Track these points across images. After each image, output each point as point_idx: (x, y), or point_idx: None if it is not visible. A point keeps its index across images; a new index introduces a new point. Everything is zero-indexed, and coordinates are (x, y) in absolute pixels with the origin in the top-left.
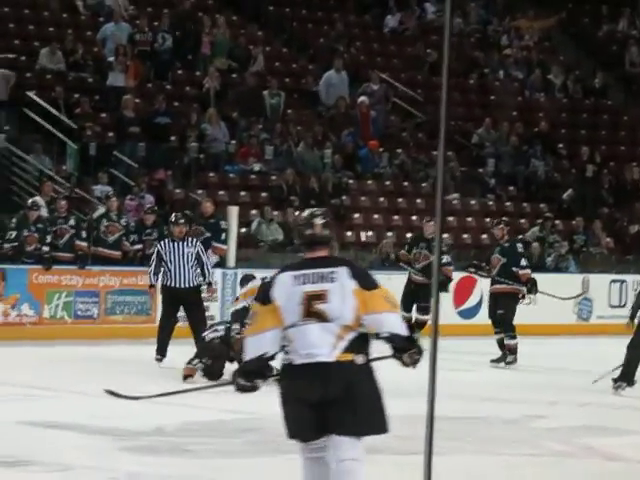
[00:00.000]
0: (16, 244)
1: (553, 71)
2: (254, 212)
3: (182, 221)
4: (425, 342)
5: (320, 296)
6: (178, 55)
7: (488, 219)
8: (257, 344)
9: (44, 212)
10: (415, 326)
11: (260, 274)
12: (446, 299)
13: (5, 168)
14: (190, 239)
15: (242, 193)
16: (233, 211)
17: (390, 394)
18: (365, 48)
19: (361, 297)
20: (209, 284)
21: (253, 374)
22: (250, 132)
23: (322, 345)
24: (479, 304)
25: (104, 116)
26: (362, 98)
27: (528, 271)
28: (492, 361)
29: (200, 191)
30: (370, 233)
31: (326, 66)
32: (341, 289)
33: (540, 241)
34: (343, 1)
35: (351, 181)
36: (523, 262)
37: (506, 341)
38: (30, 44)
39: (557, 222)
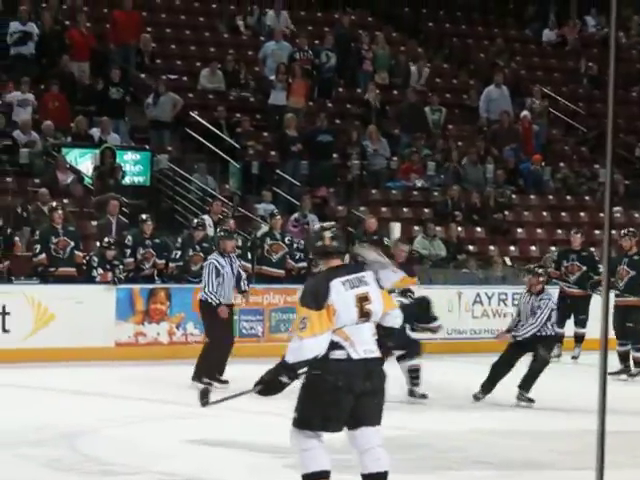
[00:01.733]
0: (181, 264)
1: None
2: (417, 228)
3: (235, 235)
4: (587, 356)
5: (366, 298)
6: (340, 73)
7: None
8: (316, 346)
9: (210, 231)
10: (575, 340)
11: (423, 291)
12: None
13: (169, 188)
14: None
15: (404, 209)
16: (396, 227)
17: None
18: (525, 62)
19: (384, 297)
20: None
21: (297, 375)
22: (412, 148)
23: (373, 342)
24: None
25: (266, 135)
26: (524, 112)
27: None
28: (610, 374)
29: (362, 208)
30: (534, 247)
31: (486, 81)
32: (376, 290)
33: None
34: (503, 16)
35: (514, 196)
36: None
37: (634, 353)
38: (192, 65)
39: None
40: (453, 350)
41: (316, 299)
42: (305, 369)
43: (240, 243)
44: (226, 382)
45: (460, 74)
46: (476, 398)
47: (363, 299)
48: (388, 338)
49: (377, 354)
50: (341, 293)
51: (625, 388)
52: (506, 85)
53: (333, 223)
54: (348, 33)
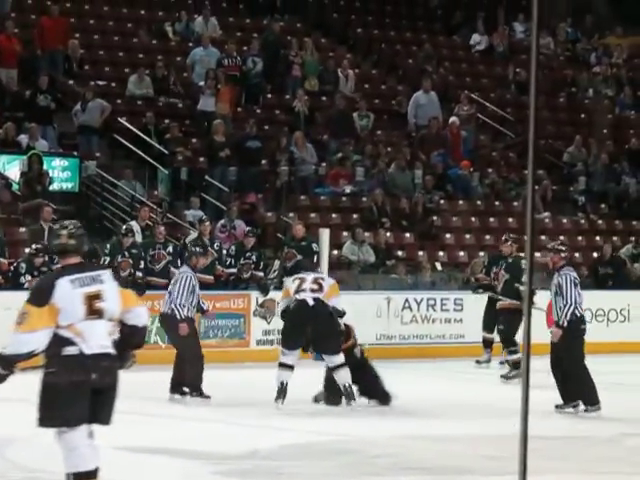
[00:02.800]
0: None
1: None
2: (345, 234)
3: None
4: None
5: (98, 296)
6: (268, 79)
7: (580, 237)
8: (32, 341)
9: (139, 238)
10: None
11: (351, 296)
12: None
13: (97, 194)
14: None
15: (333, 215)
16: (324, 233)
17: (483, 414)
18: (454, 68)
19: (122, 295)
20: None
21: (12, 367)
22: (340, 154)
23: (107, 339)
24: None
25: (194, 141)
26: (453, 118)
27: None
28: (477, 362)
29: (291, 214)
30: (462, 253)
31: (415, 87)
32: (111, 289)
33: (634, 259)
34: (431, 22)
35: (442, 201)
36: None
37: (508, 357)
38: (120, 71)
39: None
40: (382, 355)
41: (39, 297)
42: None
43: (171, 250)
44: (208, 397)
45: (388, 80)
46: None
47: (93, 297)
48: (132, 336)
49: (111, 351)
50: (67, 291)
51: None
52: (435, 91)
53: (74, 222)
54: (277, 39)
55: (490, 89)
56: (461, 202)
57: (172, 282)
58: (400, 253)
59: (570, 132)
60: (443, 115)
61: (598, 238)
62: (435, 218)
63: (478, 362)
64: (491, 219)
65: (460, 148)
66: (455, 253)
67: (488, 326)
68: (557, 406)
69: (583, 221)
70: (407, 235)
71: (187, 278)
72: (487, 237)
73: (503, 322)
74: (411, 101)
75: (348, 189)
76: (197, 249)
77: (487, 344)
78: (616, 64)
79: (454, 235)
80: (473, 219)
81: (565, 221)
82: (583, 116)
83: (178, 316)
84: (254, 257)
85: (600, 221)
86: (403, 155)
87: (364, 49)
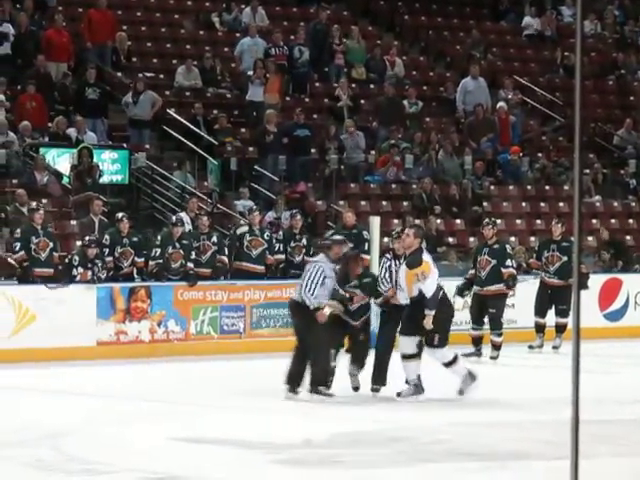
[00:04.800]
0: (161, 261)
1: None
2: (396, 221)
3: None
4: (566, 345)
5: None
6: (315, 68)
7: (631, 220)
8: None
9: (189, 229)
10: (556, 330)
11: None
12: (590, 301)
13: (147, 186)
14: None
15: (383, 203)
16: (375, 221)
17: (537, 399)
18: (502, 53)
19: None
20: None
21: None
22: (390, 141)
23: None
24: (625, 306)
25: (244, 131)
26: (500, 104)
27: (511, 270)
28: (463, 355)
29: (341, 202)
30: (513, 238)
31: (463, 73)
32: None
33: None
34: (479, 8)
35: (492, 187)
36: (508, 262)
37: (494, 338)
38: (168, 62)
39: None
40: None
41: None
42: None
43: (216, 240)
44: (331, 394)
45: (436, 66)
46: None
47: None
48: None
49: None
50: None
51: (628, 377)
52: (482, 77)
53: None
54: (324, 28)
55: (539, 74)
56: (511, 187)
57: (305, 270)
58: (451, 240)
59: (620, 115)
60: (492, 101)
61: None
62: (485, 204)
63: (531, 347)
64: (542, 204)
65: (509, 133)
66: (506, 239)
67: (540, 311)
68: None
69: (634, 204)
70: (457, 222)
71: (318, 268)
72: (538, 222)
73: (494, 306)
74: (459, 87)
75: (398, 176)
76: (335, 237)
77: (539, 329)
78: None
79: (505, 221)
80: (524, 204)
81: (616, 204)
82: (633, 99)
83: (310, 305)
84: (304, 240)
85: None
86: (452, 141)
87: (411, 36)
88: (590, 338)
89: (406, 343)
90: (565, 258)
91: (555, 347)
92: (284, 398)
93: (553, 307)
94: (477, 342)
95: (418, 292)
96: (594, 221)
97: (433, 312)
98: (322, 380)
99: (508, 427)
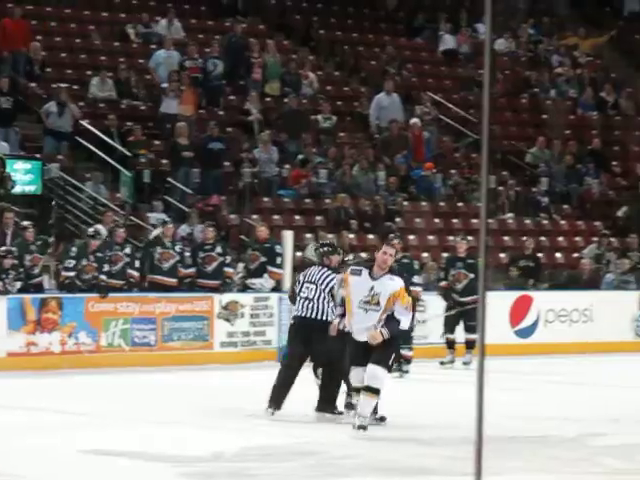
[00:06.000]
0: (73, 273)
1: (605, 89)
2: (309, 235)
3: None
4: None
5: None
6: (230, 81)
7: (543, 238)
8: None
9: (104, 240)
10: (466, 346)
11: None
12: (501, 318)
13: (60, 197)
14: None
15: (296, 217)
16: (288, 235)
17: (449, 415)
18: (417, 70)
19: None
20: None
21: None
22: (303, 156)
23: None
24: (535, 323)
25: (157, 143)
26: (414, 120)
27: (418, 288)
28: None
29: (255, 216)
30: (425, 254)
31: (378, 89)
32: None
33: (597, 259)
34: (394, 24)
35: (405, 203)
36: (416, 279)
37: (405, 352)
38: (82, 73)
39: (613, 240)
40: None
41: None
42: None
43: (129, 252)
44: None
45: (351, 82)
46: None
47: None
48: None
49: None
50: None
51: (539, 393)
52: (397, 93)
53: None
54: (239, 41)
55: (453, 90)
56: (424, 203)
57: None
58: (364, 255)
59: (533, 133)
60: (405, 117)
61: (561, 239)
62: (398, 220)
63: (442, 363)
64: (454, 220)
65: (423, 149)
66: (418, 254)
67: (450, 327)
68: None
69: (546, 222)
70: (370, 237)
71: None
72: (450, 238)
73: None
74: (373, 103)
75: (311, 191)
76: (326, 248)
77: (450, 345)
78: (578, 65)
79: (417, 236)
80: (436, 220)
81: (528, 222)
82: (545, 117)
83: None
84: (219, 249)
85: (563, 222)
86: (366, 157)
87: (326, 51)
88: (501, 354)
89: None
90: (472, 275)
91: (465, 363)
92: (265, 416)
93: (462, 323)
94: (450, 345)
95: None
96: (506, 238)
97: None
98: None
99: (417, 443)
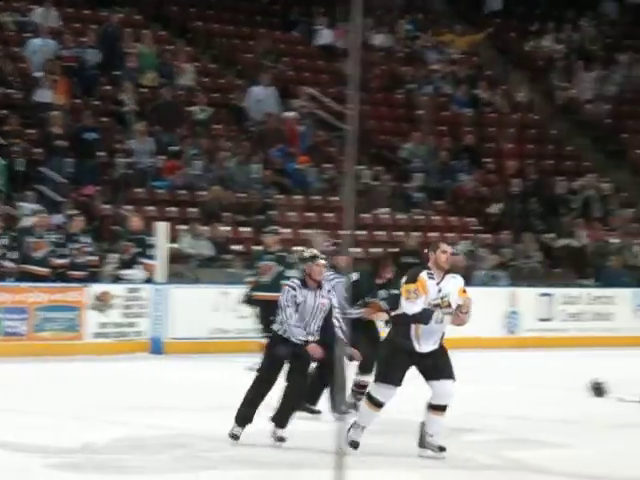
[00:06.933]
0: None
1: (480, 86)
2: (183, 227)
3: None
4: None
5: None
6: (105, 71)
7: (416, 233)
8: None
9: None
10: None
11: (188, 290)
12: None
13: None
14: None
15: (171, 208)
16: (162, 227)
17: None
18: (293, 63)
19: None
20: None
21: None
22: (178, 147)
23: None
24: None
25: (31, 132)
26: (290, 113)
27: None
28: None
29: (128, 207)
30: (300, 248)
31: (254, 81)
32: None
33: (469, 255)
34: (270, 17)
35: (280, 196)
36: (292, 272)
37: None
38: None
39: (485, 236)
40: (218, 350)
41: None
42: None
43: (7, 242)
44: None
45: (227, 74)
46: None
47: None
48: None
49: None
50: None
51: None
52: (273, 86)
53: None
54: (115, 31)
55: (329, 85)
56: (298, 197)
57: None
58: (237, 247)
59: (407, 129)
60: (281, 110)
61: (434, 234)
62: (272, 212)
63: None
64: (328, 214)
65: (298, 143)
66: (292, 248)
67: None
68: None
69: (419, 217)
70: (245, 229)
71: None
72: (325, 232)
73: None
74: (249, 95)
75: (185, 182)
76: (307, 255)
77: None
78: (454, 62)
79: (292, 230)
80: (311, 214)
81: (401, 217)
82: (421, 113)
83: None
84: (88, 240)
85: (437, 217)
86: (242, 149)
87: (203, 43)
88: None
89: None
90: (281, 268)
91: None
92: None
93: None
94: None
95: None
96: (381, 233)
97: None
98: None
99: (290, 436)
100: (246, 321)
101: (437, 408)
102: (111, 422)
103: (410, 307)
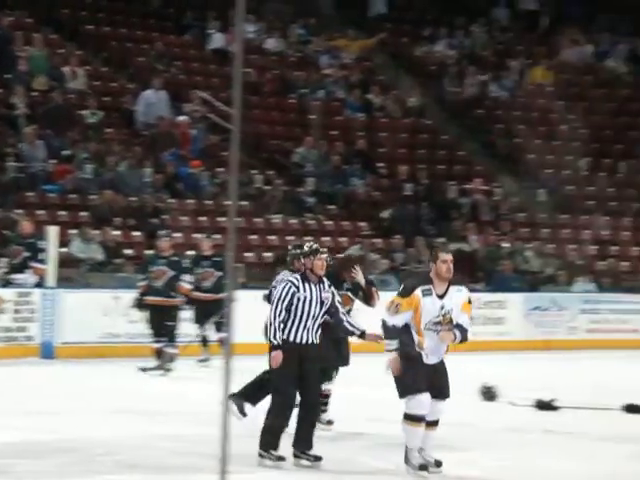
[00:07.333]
0: None
1: (372, 90)
2: (74, 231)
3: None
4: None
5: None
6: None
7: (308, 238)
8: None
9: None
10: (220, 344)
11: (79, 294)
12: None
13: None
14: None
15: (61, 212)
16: (52, 231)
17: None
18: (185, 67)
19: None
20: None
21: None
22: (69, 151)
23: None
24: None
25: None
26: (182, 117)
27: (187, 286)
28: (145, 370)
29: (19, 210)
30: (193, 252)
31: (146, 85)
32: None
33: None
34: (162, 20)
35: (173, 200)
36: (186, 277)
37: (170, 350)
38: None
39: (377, 240)
40: (108, 354)
41: None
42: None
43: None
44: None
45: (119, 77)
46: None
47: None
48: None
49: None
50: None
51: None
52: (165, 90)
53: None
54: (5, 34)
55: (221, 89)
56: (190, 201)
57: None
58: (129, 252)
59: (300, 133)
60: (173, 114)
61: (327, 239)
62: (165, 217)
63: (201, 361)
64: (220, 218)
65: (190, 147)
66: (184, 252)
67: (201, 325)
68: None
69: (311, 222)
70: (136, 234)
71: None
72: (217, 236)
73: (171, 318)
74: (140, 99)
75: (76, 186)
76: (298, 251)
77: (204, 342)
78: (346, 66)
79: (184, 234)
80: (203, 218)
81: (294, 222)
82: (313, 117)
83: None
84: None
85: (329, 222)
86: (133, 153)
87: (95, 46)
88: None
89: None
90: (220, 273)
91: (202, 360)
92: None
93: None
94: (160, 354)
95: None
96: (272, 237)
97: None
98: None
99: (178, 441)
100: (137, 325)
101: (429, 424)
102: (2, 426)
103: (386, 317)
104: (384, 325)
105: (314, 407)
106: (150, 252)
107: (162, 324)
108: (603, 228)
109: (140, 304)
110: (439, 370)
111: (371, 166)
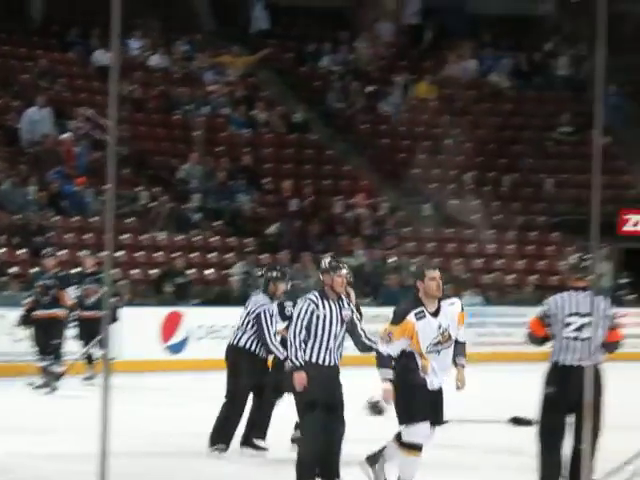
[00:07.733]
0: None
1: (257, 106)
2: None
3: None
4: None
5: None
6: None
7: (193, 254)
8: None
9: None
10: (88, 361)
11: None
12: (150, 334)
13: None
14: None
15: None
16: None
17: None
18: (69, 84)
19: None
20: None
21: None
22: None
23: None
24: (186, 339)
25: None
26: (66, 135)
27: (72, 301)
28: (36, 387)
29: None
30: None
31: (29, 103)
32: None
33: (245, 276)
34: (46, 37)
35: (57, 217)
36: (70, 290)
37: (56, 368)
38: None
39: (263, 256)
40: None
41: None
42: None
43: None
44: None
45: (2, 95)
46: None
47: None
48: None
49: None
50: None
51: (192, 409)
52: (49, 107)
53: None
54: None
55: (105, 106)
56: (75, 218)
57: (251, 312)
58: (14, 269)
59: (185, 149)
60: (57, 131)
61: (212, 255)
62: (49, 234)
63: (86, 379)
64: (105, 236)
65: (75, 164)
66: (69, 269)
67: (85, 343)
68: None
69: (197, 238)
70: (21, 251)
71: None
72: (103, 254)
73: (58, 334)
74: (24, 117)
75: None
76: (274, 274)
77: (89, 361)
78: (231, 82)
79: (69, 251)
80: (88, 235)
81: (179, 238)
82: (197, 133)
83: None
84: None
85: (215, 238)
86: (17, 171)
87: None
88: (152, 370)
89: None
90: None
91: (87, 378)
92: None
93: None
94: (46, 373)
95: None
96: (158, 254)
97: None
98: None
99: (62, 460)
100: (22, 344)
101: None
102: None
103: (380, 346)
104: (378, 355)
105: (341, 436)
106: (35, 270)
107: (47, 342)
108: (488, 242)
109: (26, 320)
110: (438, 396)
111: (257, 182)
